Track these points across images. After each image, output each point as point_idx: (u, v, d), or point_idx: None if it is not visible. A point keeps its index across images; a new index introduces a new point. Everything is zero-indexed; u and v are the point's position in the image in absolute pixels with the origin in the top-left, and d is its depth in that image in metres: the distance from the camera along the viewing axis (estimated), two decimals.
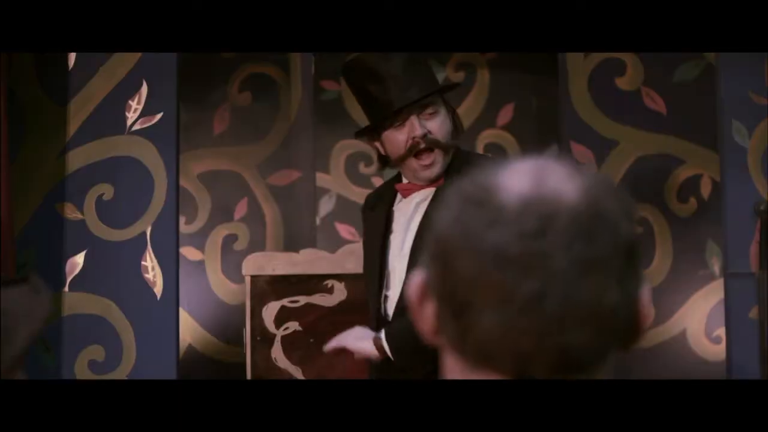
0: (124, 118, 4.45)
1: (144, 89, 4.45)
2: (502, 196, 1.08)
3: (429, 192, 3.10)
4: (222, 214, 4.64)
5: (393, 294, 3.12)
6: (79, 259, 4.43)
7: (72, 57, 4.42)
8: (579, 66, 4.60)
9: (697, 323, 4.49)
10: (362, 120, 4.74)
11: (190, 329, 4.52)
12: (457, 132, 3.14)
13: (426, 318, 1.14)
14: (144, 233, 4.42)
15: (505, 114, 4.78)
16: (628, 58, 4.58)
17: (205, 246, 4.61)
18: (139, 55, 4.40)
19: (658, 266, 4.52)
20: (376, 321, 3.13)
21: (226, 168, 4.67)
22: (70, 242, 4.42)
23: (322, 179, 4.73)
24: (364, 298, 3.28)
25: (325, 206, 4.72)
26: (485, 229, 1.07)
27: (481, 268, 1.06)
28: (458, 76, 4.75)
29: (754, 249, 4.33)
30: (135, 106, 4.44)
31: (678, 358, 4.49)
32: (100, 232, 4.43)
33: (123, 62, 4.44)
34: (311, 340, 3.96)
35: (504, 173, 1.10)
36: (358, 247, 3.58)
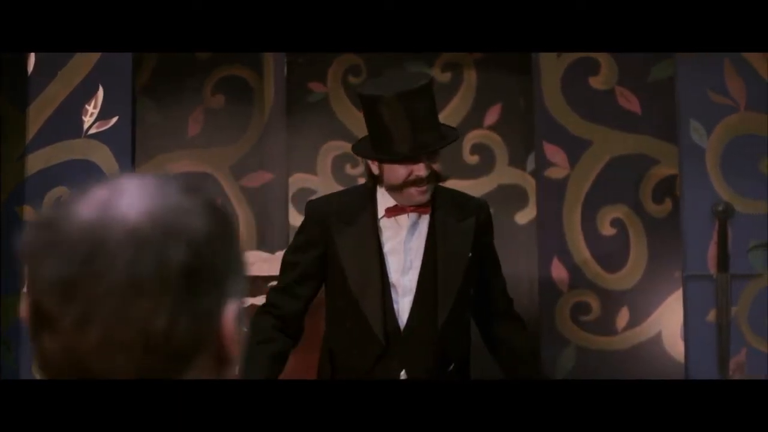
0: (81, 122, 4.49)
1: (100, 93, 4.48)
2: (65, 222, 1.08)
3: (415, 216, 3.25)
4: None
5: (402, 308, 3.25)
6: None
7: (31, 62, 4.47)
8: (552, 65, 4.55)
9: (673, 325, 4.43)
10: (349, 122, 4.79)
11: None
12: None
13: None
14: None
15: (492, 114, 4.75)
16: (603, 57, 4.52)
17: None
18: (96, 59, 4.43)
19: (633, 268, 4.47)
20: (384, 333, 3.23)
21: (200, 169, 4.70)
22: None
23: (308, 180, 4.73)
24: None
25: None
26: (43, 254, 1.07)
27: (38, 292, 1.08)
28: (445, 77, 4.73)
29: (712, 250, 4.25)
30: (91, 111, 4.48)
31: (653, 360, 4.43)
32: None
33: (81, 67, 4.48)
34: None
35: (77, 198, 1.10)
36: None
